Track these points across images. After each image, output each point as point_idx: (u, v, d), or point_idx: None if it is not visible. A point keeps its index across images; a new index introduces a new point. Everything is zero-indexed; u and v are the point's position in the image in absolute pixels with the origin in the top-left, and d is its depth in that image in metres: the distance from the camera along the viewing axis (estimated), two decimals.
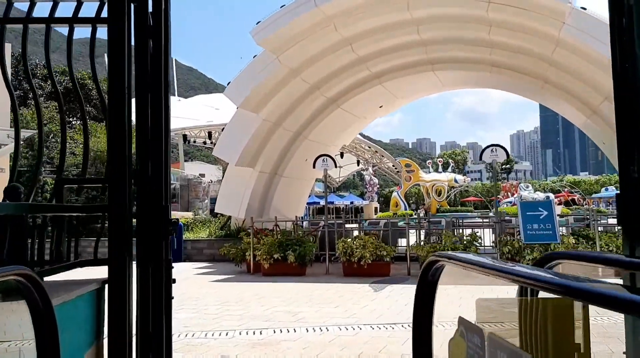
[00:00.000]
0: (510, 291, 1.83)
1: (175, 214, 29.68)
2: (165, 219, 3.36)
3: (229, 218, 18.61)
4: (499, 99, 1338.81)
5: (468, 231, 16.06)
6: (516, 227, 15.04)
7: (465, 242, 12.00)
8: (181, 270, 15.24)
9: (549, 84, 15.36)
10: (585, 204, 56.64)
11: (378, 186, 66.31)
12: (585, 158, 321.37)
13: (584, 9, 12.31)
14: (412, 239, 13.79)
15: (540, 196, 43.47)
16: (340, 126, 19.42)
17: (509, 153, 15.04)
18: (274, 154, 17.45)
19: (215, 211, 19.06)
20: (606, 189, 65.36)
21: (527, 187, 44.24)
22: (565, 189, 60.92)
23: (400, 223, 17.04)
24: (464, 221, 17.04)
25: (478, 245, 12.22)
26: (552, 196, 46.31)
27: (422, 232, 14.37)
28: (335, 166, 14.35)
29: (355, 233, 16.73)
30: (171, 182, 3.56)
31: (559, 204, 46.29)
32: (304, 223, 17.88)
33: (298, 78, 15.95)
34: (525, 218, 11.73)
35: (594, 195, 63.96)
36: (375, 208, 62.52)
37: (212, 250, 17.65)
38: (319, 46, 15.16)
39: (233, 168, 16.83)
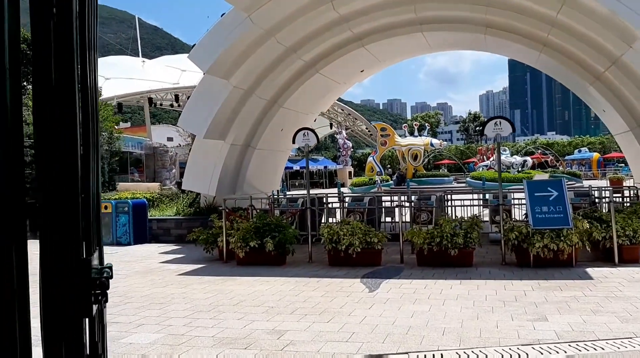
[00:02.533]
0: None
1: (139, 186, 27.85)
2: (85, 281, 1.90)
3: (198, 194, 17.01)
4: (470, 59, 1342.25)
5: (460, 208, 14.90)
6: (512, 205, 13.94)
7: (466, 227, 10.71)
8: (145, 255, 13.69)
9: (548, 47, 13.95)
10: (559, 165, 56.59)
11: (352, 149, 65.05)
12: (552, 118, 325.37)
13: None
14: (398, 216, 12.39)
15: (518, 159, 42.83)
16: (318, 92, 17.80)
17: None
18: (246, 125, 15.79)
19: (183, 187, 17.40)
20: (579, 151, 65.49)
21: (505, 151, 43.41)
22: (539, 151, 60.66)
23: (388, 203, 15.74)
24: (453, 196, 15.66)
25: (480, 229, 10.95)
26: (529, 158, 45.74)
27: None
28: (318, 141, 12.81)
29: (338, 212, 15.39)
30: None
31: (532, 168, 45.68)
32: (282, 199, 16.42)
33: (272, 40, 14.21)
34: (533, 199, 10.47)
35: (567, 157, 63.90)
36: (350, 172, 61.51)
37: (180, 230, 16.10)
38: (295, 2, 13.40)
39: (201, 140, 15.14)
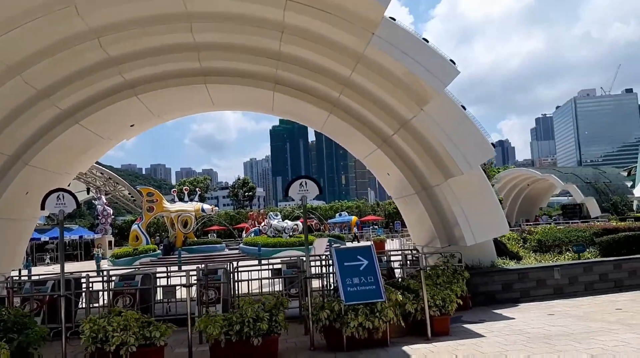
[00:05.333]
0: None
1: None
2: None
3: None
4: (236, 127, 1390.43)
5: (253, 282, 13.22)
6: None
7: (270, 308, 8.95)
8: None
9: (339, 109, 13.47)
10: (323, 229, 59.18)
11: (112, 217, 59.48)
12: None
13: (393, 19, 10.58)
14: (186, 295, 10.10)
15: (289, 223, 43.16)
16: (77, 148, 14.71)
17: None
18: None
19: None
20: (340, 215, 69.85)
21: (277, 215, 43.50)
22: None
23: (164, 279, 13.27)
24: (240, 266, 13.86)
25: (286, 309, 9.29)
26: (299, 223, 46.62)
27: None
28: (79, 206, 9.95)
29: (102, 294, 12.36)
30: None
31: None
32: (25, 283, 12.74)
33: (18, 79, 11.13)
34: (343, 270, 9.27)
35: (329, 220, 67.46)
36: (110, 242, 55.77)
37: None
38: (52, 33, 10.68)
39: None
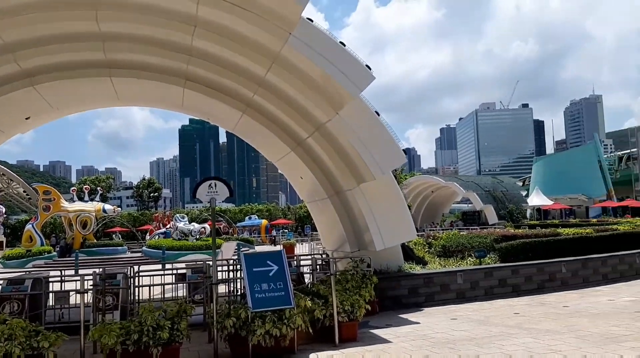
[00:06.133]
0: None
1: None
2: None
3: None
4: (144, 125, 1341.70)
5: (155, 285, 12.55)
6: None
7: (172, 315, 8.46)
8: None
9: (253, 109, 13.14)
10: (232, 232, 58.22)
11: (5, 215, 55.27)
12: None
13: (311, 20, 10.44)
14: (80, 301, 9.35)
15: (196, 226, 41.96)
16: None
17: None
18: None
19: None
20: (249, 218, 69.00)
21: (183, 218, 42.16)
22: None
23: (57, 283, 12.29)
24: (141, 271, 13.13)
25: (189, 317, 8.82)
26: (207, 225, 45.55)
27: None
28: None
29: None
30: None
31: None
32: None
33: None
34: (252, 276, 8.96)
35: (238, 223, 66.55)
36: (1, 242, 51.74)
37: None
38: None
39: None
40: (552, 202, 59.66)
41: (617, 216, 51.89)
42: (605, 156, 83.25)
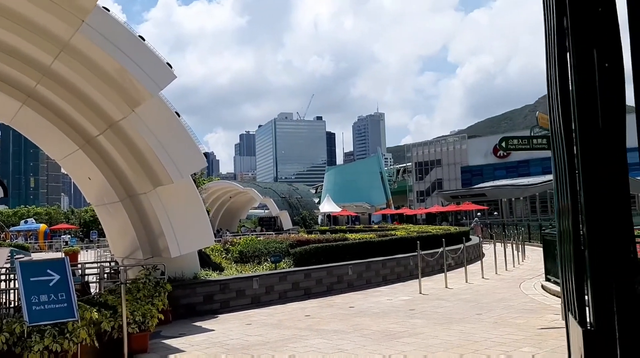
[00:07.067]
0: None
1: None
2: None
3: None
4: None
5: None
6: None
7: None
8: None
9: (35, 101, 11.75)
10: (4, 237, 51.64)
11: None
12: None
13: (107, 9, 9.69)
14: None
15: None
16: None
17: None
18: None
19: None
20: (25, 222, 61.93)
21: None
22: None
23: None
24: None
25: None
26: None
27: None
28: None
29: None
30: None
31: None
32: None
33: None
34: (29, 286, 7.92)
35: (12, 228, 59.34)
36: None
37: None
38: None
39: None
40: (341, 209, 64.23)
41: (393, 222, 57.93)
42: (386, 168, 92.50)
